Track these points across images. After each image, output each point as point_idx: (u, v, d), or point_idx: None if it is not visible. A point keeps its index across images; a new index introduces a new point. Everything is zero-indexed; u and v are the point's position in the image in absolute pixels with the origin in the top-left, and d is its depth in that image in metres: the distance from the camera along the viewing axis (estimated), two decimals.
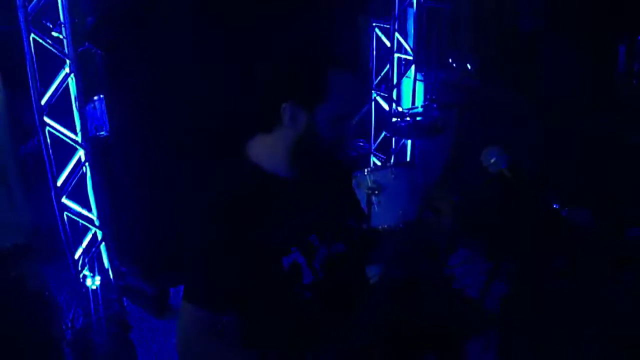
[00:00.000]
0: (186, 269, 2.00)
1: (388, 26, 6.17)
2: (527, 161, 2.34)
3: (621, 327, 3.54)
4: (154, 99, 4.74)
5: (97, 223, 4.47)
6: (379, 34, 6.31)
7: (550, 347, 3.83)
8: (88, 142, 4.30)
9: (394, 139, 6.33)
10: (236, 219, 1.87)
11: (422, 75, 6.29)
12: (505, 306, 4.17)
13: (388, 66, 6.36)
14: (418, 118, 5.64)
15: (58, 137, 4.18)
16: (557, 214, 3.56)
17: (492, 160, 2.21)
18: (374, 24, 6.28)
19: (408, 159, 6.36)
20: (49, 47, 3.95)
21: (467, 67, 5.81)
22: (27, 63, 3.89)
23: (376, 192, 5.19)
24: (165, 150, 4.94)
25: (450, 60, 6.00)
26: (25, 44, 3.84)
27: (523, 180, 2.22)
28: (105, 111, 4.78)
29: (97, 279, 4.45)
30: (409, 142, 6.36)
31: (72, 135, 4.24)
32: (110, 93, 4.57)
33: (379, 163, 6.42)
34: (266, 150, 1.99)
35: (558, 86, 4.69)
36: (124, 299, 4.68)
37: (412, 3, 6.04)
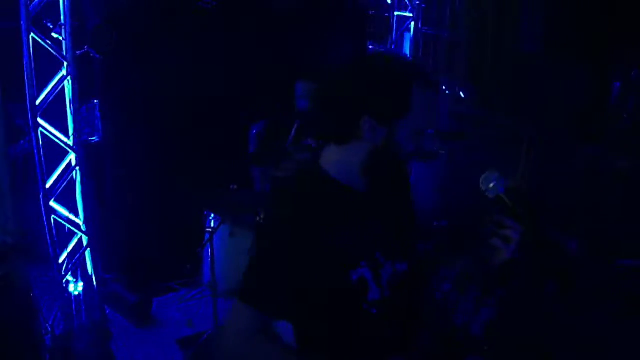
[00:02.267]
0: (250, 271, 1.94)
1: (384, 49, 6.20)
2: (521, 186, 2.34)
3: (608, 354, 3.55)
4: (151, 107, 4.76)
5: (83, 228, 4.42)
6: None
7: None
8: (80, 146, 4.28)
9: None
10: (309, 226, 1.87)
11: None
12: (491, 331, 4.15)
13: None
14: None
15: (49, 139, 4.15)
16: (551, 241, 3.58)
17: (491, 185, 2.20)
18: (370, 47, 6.32)
19: None
20: (48, 47, 3.94)
21: (460, 95, 5.84)
22: (25, 63, 3.84)
23: None
24: (157, 160, 4.94)
25: (443, 87, 6.03)
26: (24, 43, 3.80)
27: (521, 205, 2.22)
28: (97, 116, 4.75)
29: (80, 284, 4.40)
30: None
31: (65, 139, 4.20)
32: (105, 98, 4.55)
33: None
34: (339, 161, 2.00)
35: (553, 114, 4.73)
36: (106, 306, 4.63)
37: (410, 28, 6.10)
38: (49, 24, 3.90)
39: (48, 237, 4.27)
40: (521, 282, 4.02)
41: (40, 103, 4.00)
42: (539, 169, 4.54)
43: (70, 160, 4.29)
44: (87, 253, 4.50)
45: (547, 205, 4.16)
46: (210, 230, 4.44)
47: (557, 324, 3.84)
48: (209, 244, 4.36)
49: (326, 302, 1.96)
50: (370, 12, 6.10)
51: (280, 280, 1.89)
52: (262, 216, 1.80)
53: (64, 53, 4.04)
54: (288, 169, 4.19)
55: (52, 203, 4.22)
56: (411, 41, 6.21)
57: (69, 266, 4.38)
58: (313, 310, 1.97)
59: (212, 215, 4.70)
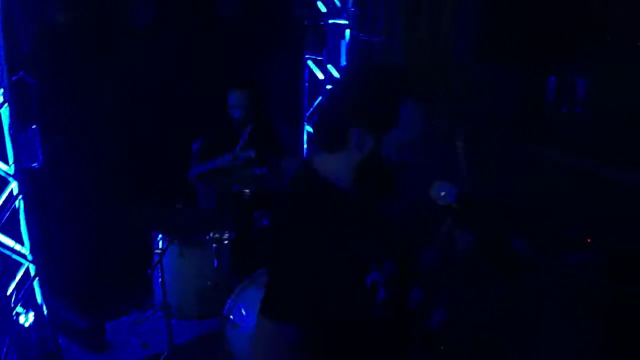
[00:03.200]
0: (269, 284, 2.00)
1: (321, 58, 6.29)
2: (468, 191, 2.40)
3: (561, 350, 3.64)
4: (91, 129, 4.70)
5: (30, 258, 4.34)
6: (312, 66, 6.40)
7: None
8: (22, 174, 4.20)
9: None
10: (325, 234, 1.89)
11: None
12: (444, 333, 4.22)
13: (320, 97, 6.44)
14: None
15: None
16: (500, 241, 3.66)
17: (442, 194, 2.27)
18: (306, 56, 6.37)
19: None
20: None
21: None
22: None
23: None
24: (100, 183, 4.88)
25: None
26: None
27: (471, 212, 2.28)
28: (38, 142, 4.66)
29: (31, 315, 4.32)
30: None
31: (4, 167, 4.12)
32: (45, 123, 4.47)
33: None
34: (332, 167, 2.02)
35: (492, 115, 4.84)
36: (59, 335, 4.54)
37: (345, 35, 6.15)
38: None
39: None
40: (469, 282, 4.11)
41: None
42: (482, 171, 4.63)
43: (12, 189, 4.21)
44: (36, 282, 4.42)
45: (494, 205, 4.26)
46: (159, 251, 4.41)
47: (510, 322, 3.94)
48: (158, 265, 4.32)
49: (343, 307, 1.96)
50: (306, 22, 6.12)
51: (306, 291, 1.91)
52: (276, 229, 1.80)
53: None
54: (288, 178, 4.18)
55: None
56: (347, 48, 6.28)
57: (18, 297, 4.30)
58: (337, 317, 1.97)
59: (160, 236, 4.66)
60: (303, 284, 1.91)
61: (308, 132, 6.60)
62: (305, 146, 6.66)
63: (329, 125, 2.02)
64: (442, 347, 4.21)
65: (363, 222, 2.01)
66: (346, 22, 6.10)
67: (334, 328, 2.00)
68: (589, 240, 3.96)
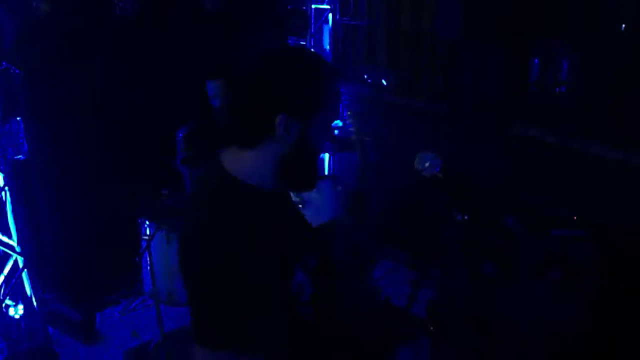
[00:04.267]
0: (195, 310, 1.78)
1: (304, 43, 6.29)
2: (453, 167, 2.43)
3: (549, 324, 3.69)
4: (76, 118, 4.69)
5: (18, 249, 4.34)
6: None
7: (478, 348, 3.95)
8: (7, 166, 4.19)
9: None
10: (242, 242, 1.72)
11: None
12: (433, 312, 4.26)
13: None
14: (336, 132, 5.72)
15: None
16: (487, 218, 3.70)
17: (427, 164, 2.27)
18: (290, 41, 6.36)
19: (326, 172, 6.44)
20: None
21: (382, 83, 5.93)
22: None
23: (300, 205, 5.23)
24: (86, 172, 4.88)
25: (365, 76, 6.11)
26: None
27: (454, 183, 2.30)
28: (22, 134, 4.65)
29: (20, 307, 4.32)
30: (326, 155, 6.43)
31: None
32: (30, 115, 4.46)
33: None
34: (248, 165, 1.87)
35: (476, 94, 4.86)
36: (49, 327, 4.55)
37: (328, 20, 6.16)
38: None
39: None
40: (457, 262, 4.15)
41: None
42: (467, 150, 4.67)
43: None
44: (24, 274, 4.42)
45: (480, 184, 4.30)
46: (146, 238, 4.41)
47: (499, 300, 3.98)
48: (146, 252, 4.33)
49: (276, 318, 1.83)
50: (289, 7, 6.12)
51: (241, 309, 1.71)
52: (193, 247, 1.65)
53: None
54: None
55: None
56: (330, 33, 6.29)
57: (7, 290, 4.30)
58: (269, 329, 1.81)
59: (147, 222, 4.67)
60: (240, 303, 1.70)
61: None
62: None
63: (250, 116, 1.86)
64: (430, 328, 4.27)
65: (281, 219, 1.94)
66: (329, 6, 6.12)
67: (268, 338, 1.82)
68: (575, 217, 3.99)
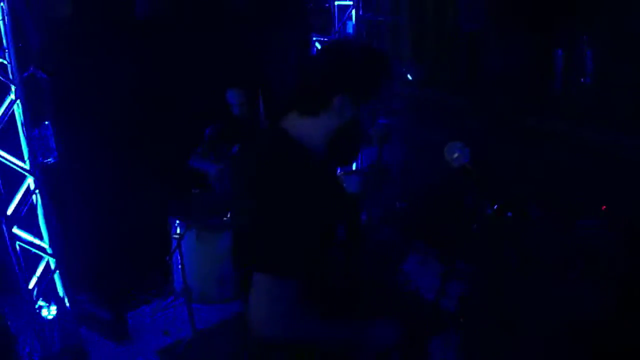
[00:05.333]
0: (264, 242, 1.97)
1: (327, 39, 6.27)
2: (481, 158, 2.41)
3: (574, 314, 3.65)
4: (105, 121, 4.73)
5: (49, 251, 4.39)
6: (319, 47, 6.38)
7: (507, 341, 3.92)
8: (37, 170, 4.25)
9: None
10: (303, 188, 1.96)
11: None
12: (463, 305, 4.25)
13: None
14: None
15: (5, 165, 4.11)
16: (512, 208, 3.66)
17: (455, 155, 2.27)
18: (314, 39, 6.37)
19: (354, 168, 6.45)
20: None
21: (408, 77, 5.91)
22: None
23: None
24: (116, 173, 4.92)
25: None
26: None
27: (483, 173, 2.29)
28: (51, 137, 4.71)
29: (53, 308, 4.37)
30: None
31: (21, 163, 4.17)
32: (58, 118, 4.51)
33: None
34: (307, 130, 2.10)
35: (500, 86, 4.82)
36: (82, 327, 4.60)
37: (352, 16, 6.15)
38: None
39: (15, 265, 4.23)
40: (485, 254, 4.12)
41: None
42: (493, 141, 4.63)
43: (29, 184, 4.26)
44: (57, 275, 4.47)
45: (506, 175, 4.27)
46: (177, 236, 4.44)
47: (525, 291, 3.94)
48: (177, 250, 4.36)
49: (323, 257, 2.06)
50: (310, 5, 6.13)
51: (299, 244, 1.94)
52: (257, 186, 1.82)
53: (10, 76, 4.00)
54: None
55: (15, 229, 4.18)
56: (354, 28, 6.28)
57: (40, 291, 4.36)
58: (316, 267, 2.03)
59: (178, 221, 4.70)
60: (298, 237, 1.94)
61: None
62: None
63: (314, 88, 2.10)
64: (461, 319, 4.25)
65: (330, 180, 2.22)
66: (351, 2, 6.11)
67: (315, 277, 2.05)
68: (603, 207, 3.95)
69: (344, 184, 2.52)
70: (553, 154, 4.50)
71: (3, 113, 4.01)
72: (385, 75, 2.11)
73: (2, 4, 3.84)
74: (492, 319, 3.95)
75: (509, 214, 2.71)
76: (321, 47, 2.19)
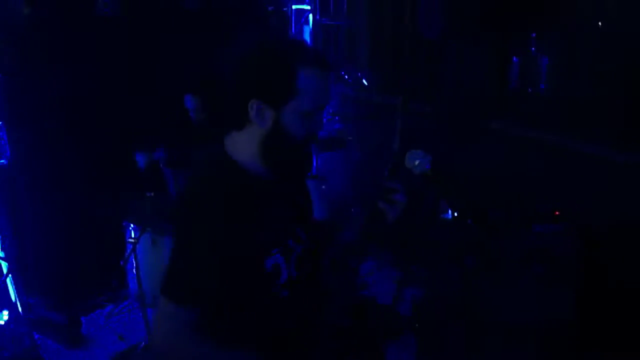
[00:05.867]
0: (170, 265, 1.93)
1: None
2: (440, 164, 2.43)
3: (532, 316, 3.72)
4: (58, 122, 4.66)
5: (1, 255, 4.31)
6: None
7: (465, 344, 3.97)
8: None
9: None
10: (225, 219, 1.86)
11: None
12: (419, 309, 4.29)
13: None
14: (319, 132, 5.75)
15: None
16: (472, 214, 3.71)
17: (417, 163, 2.27)
18: None
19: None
20: None
21: (363, 82, 5.95)
22: None
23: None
24: (70, 176, 4.85)
25: (345, 76, 6.13)
26: None
27: (444, 180, 2.31)
28: (4, 138, 4.62)
29: (5, 313, 4.29)
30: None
31: None
32: (10, 119, 4.43)
33: None
34: (240, 146, 1.99)
35: (458, 92, 4.89)
36: (35, 332, 4.52)
37: (309, 20, 6.17)
38: None
39: None
40: (441, 258, 4.17)
41: None
42: (451, 148, 4.69)
43: None
44: (9, 280, 4.39)
45: (465, 181, 4.33)
46: (132, 241, 4.39)
47: (484, 295, 4.00)
48: (132, 255, 4.31)
49: (243, 292, 1.96)
50: (270, 8, 6.13)
51: (202, 274, 1.87)
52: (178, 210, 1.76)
53: None
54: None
55: None
56: (310, 33, 6.30)
57: None
58: (233, 301, 1.97)
59: (132, 225, 4.65)
60: (202, 266, 1.87)
61: None
62: None
63: (227, 98, 1.99)
64: (416, 325, 4.29)
65: (267, 205, 2.00)
66: (309, 7, 6.14)
67: (235, 311, 2.00)
68: (557, 212, 4.03)
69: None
70: (511, 159, 4.58)
71: None
72: (302, 68, 1.88)
73: None
74: (450, 322, 4.00)
75: (469, 221, 2.76)
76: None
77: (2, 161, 4.47)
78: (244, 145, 1.99)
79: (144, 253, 4.47)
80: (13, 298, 4.45)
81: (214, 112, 1.91)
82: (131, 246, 4.32)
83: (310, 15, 6.17)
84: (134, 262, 4.33)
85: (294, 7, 6.16)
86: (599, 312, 3.73)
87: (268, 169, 2.00)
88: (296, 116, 1.92)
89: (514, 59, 4.66)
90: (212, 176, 1.99)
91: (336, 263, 2.25)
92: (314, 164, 6.50)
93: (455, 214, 2.55)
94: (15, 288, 4.44)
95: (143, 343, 4.39)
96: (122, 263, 4.54)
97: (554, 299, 3.70)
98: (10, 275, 4.38)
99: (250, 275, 1.95)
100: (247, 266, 1.93)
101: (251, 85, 1.91)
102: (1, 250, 4.31)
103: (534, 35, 4.55)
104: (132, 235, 4.56)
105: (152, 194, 4.82)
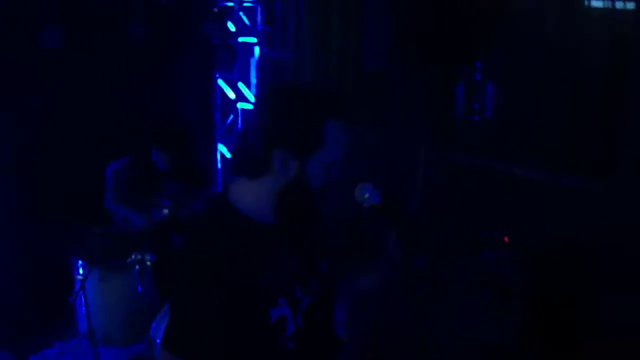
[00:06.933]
0: (174, 320, 1.89)
1: (231, 77, 6.32)
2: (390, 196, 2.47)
3: (482, 339, 3.79)
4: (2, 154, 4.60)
5: None
6: (222, 85, 6.43)
7: None
8: None
9: None
10: (226, 270, 1.81)
11: None
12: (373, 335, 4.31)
13: (232, 116, 6.47)
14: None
15: None
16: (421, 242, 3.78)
17: (366, 196, 2.27)
18: (217, 76, 6.39)
19: None
20: None
21: None
22: None
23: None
24: (14, 212, 4.77)
25: None
26: None
27: (394, 212, 2.32)
28: None
29: None
30: None
31: None
32: None
33: None
34: (250, 196, 1.93)
35: (405, 123, 4.97)
36: None
37: (254, 53, 6.21)
38: None
39: None
40: (394, 288, 4.21)
41: None
42: (401, 179, 4.76)
43: None
44: None
45: (416, 210, 4.40)
46: (80, 277, 4.32)
47: (434, 320, 4.05)
48: (81, 292, 4.24)
49: (246, 343, 1.89)
50: (215, 42, 6.14)
51: (205, 326, 1.81)
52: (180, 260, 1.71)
53: None
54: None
55: None
56: (256, 66, 6.34)
57: None
58: (236, 352, 1.88)
59: (80, 262, 4.58)
60: (203, 319, 1.82)
61: (221, 152, 6.61)
62: (219, 165, 6.66)
63: (250, 149, 1.90)
64: (370, 355, 4.30)
65: (272, 253, 1.94)
66: (255, 40, 6.18)
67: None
68: (505, 239, 4.12)
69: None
70: (459, 187, 4.65)
71: None
72: (325, 118, 1.84)
73: None
74: (401, 349, 4.03)
75: (418, 258, 2.79)
76: (255, 98, 1.94)
77: None
78: (256, 195, 1.92)
79: (93, 290, 4.41)
80: None
81: (237, 159, 1.81)
82: (80, 283, 4.25)
83: (257, 48, 6.21)
84: (82, 299, 4.26)
85: (240, 39, 6.18)
86: (543, 336, 3.82)
87: (278, 217, 1.94)
88: (320, 166, 1.87)
89: (459, 86, 4.73)
90: (214, 224, 1.95)
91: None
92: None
93: (401, 246, 2.56)
94: None
95: None
96: (70, 300, 4.47)
97: (501, 323, 3.78)
98: None
99: (254, 327, 1.89)
100: (251, 317, 1.87)
101: (277, 134, 1.84)
102: None
103: (478, 64, 4.64)
104: (81, 272, 4.49)
105: (98, 230, 4.76)
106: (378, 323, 4.40)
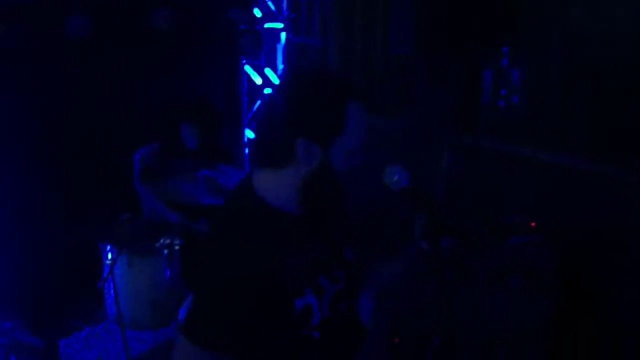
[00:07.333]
0: (197, 310, 1.88)
1: (258, 63, 6.33)
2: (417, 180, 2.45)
3: (509, 330, 3.76)
4: (31, 141, 4.68)
5: None
6: (249, 71, 6.43)
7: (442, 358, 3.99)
8: None
9: None
10: (252, 260, 1.80)
11: None
12: (396, 323, 4.29)
13: (259, 102, 6.48)
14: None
15: None
16: (450, 228, 3.74)
17: (395, 179, 2.25)
18: (244, 62, 6.40)
19: None
20: None
21: None
22: None
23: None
24: (43, 197, 4.82)
25: None
26: None
27: (423, 197, 2.30)
28: None
29: None
30: None
31: None
32: None
33: None
34: (275, 186, 1.92)
35: (430, 108, 4.94)
36: (11, 356, 4.46)
37: (280, 39, 6.20)
38: None
39: None
40: (423, 271, 4.19)
41: None
42: (427, 163, 4.74)
43: None
44: None
45: (442, 195, 4.38)
46: (109, 262, 4.37)
47: (461, 309, 4.03)
48: (110, 277, 4.29)
49: (272, 333, 1.89)
50: (242, 27, 6.14)
51: (228, 317, 1.81)
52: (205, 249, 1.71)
53: None
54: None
55: None
56: (283, 52, 6.33)
57: None
58: (260, 342, 1.89)
59: (109, 247, 4.63)
60: (227, 309, 1.81)
61: (248, 138, 6.62)
62: (246, 151, 6.67)
63: (272, 139, 1.89)
64: (395, 340, 4.29)
65: (298, 243, 1.93)
66: (281, 25, 6.17)
67: (262, 354, 1.93)
68: (532, 224, 4.08)
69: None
70: (485, 172, 4.61)
71: None
72: (350, 104, 1.83)
73: None
74: (426, 337, 4.01)
75: (445, 236, 2.75)
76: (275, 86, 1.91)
77: None
78: (280, 184, 1.91)
79: (121, 275, 4.46)
80: None
81: (259, 149, 1.79)
82: (108, 268, 4.30)
83: (283, 34, 6.20)
84: (111, 284, 4.31)
85: (266, 25, 6.18)
86: (574, 325, 3.79)
87: (304, 207, 1.94)
88: (343, 153, 1.86)
89: (486, 72, 4.69)
90: (240, 214, 1.94)
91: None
92: None
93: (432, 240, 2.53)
94: None
95: None
96: (99, 285, 4.52)
97: (530, 311, 3.74)
98: None
99: (279, 317, 1.89)
100: (276, 308, 1.87)
101: (301, 122, 1.82)
102: None
103: (505, 49, 4.60)
104: (109, 257, 4.55)
105: (127, 216, 4.80)
106: (403, 310, 4.39)
